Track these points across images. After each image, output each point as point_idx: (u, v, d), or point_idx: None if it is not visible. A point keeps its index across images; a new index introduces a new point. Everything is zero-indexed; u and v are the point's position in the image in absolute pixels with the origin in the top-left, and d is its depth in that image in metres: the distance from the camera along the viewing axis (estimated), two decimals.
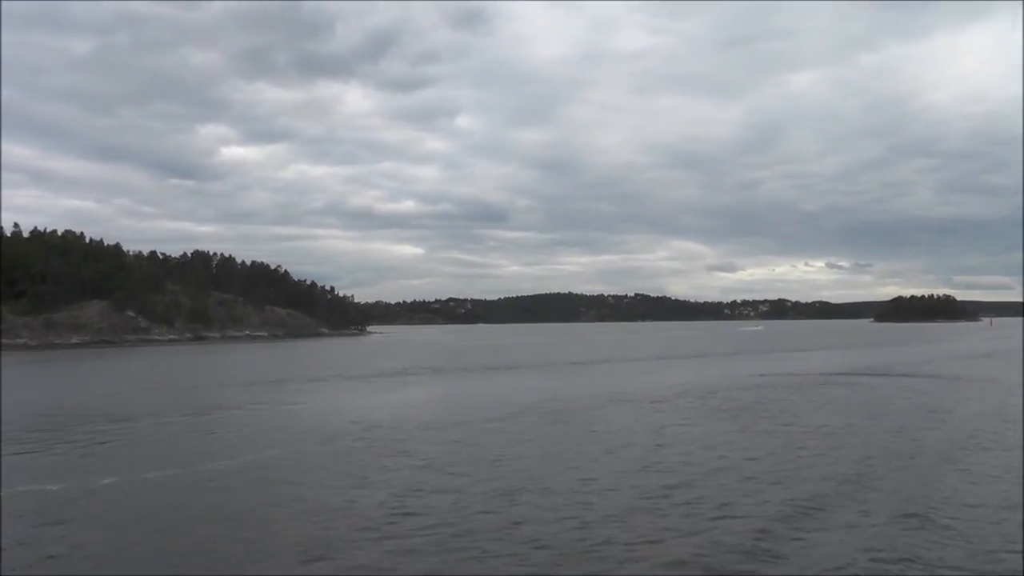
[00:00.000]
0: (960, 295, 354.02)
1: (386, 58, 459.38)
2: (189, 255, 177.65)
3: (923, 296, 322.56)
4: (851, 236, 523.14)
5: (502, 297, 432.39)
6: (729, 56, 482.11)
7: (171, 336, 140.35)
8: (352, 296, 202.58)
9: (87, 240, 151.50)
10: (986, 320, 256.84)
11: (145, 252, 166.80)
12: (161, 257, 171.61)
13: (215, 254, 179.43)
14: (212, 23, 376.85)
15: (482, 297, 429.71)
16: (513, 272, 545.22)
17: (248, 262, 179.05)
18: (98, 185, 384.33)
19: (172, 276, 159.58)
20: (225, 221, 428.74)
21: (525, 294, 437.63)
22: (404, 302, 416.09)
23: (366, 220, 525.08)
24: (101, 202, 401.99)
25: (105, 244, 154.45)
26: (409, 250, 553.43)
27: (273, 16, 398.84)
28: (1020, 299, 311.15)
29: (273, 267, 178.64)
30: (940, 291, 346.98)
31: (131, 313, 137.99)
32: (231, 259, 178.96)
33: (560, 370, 54.99)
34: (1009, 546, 12.00)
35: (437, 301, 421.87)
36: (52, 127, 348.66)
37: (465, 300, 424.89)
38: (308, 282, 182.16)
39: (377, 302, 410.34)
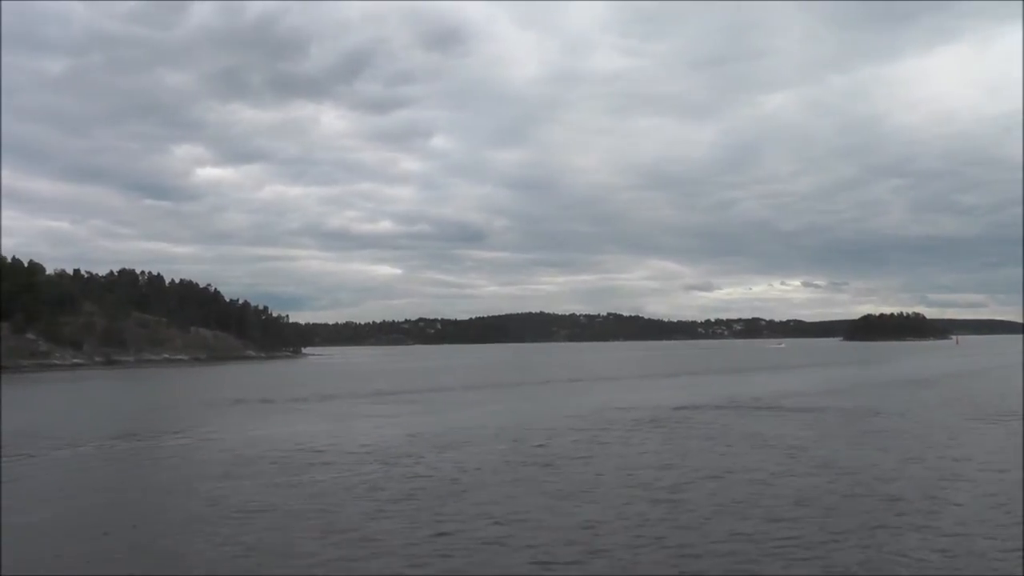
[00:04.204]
0: (935, 313, 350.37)
1: (360, 79, 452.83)
2: (116, 273, 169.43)
3: (892, 314, 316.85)
4: (827, 255, 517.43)
5: (473, 317, 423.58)
6: (702, 77, 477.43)
7: (77, 360, 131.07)
8: (287, 317, 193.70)
9: None
10: (954, 338, 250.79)
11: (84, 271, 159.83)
12: (86, 275, 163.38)
13: (143, 272, 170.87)
14: (186, 44, 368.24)
15: (461, 317, 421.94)
16: (491, 292, 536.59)
17: (178, 280, 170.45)
18: (73, 206, 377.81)
19: (93, 296, 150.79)
20: (202, 242, 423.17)
21: (502, 313, 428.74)
22: (374, 322, 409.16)
23: (344, 241, 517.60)
24: (76, 223, 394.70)
25: (20, 262, 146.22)
26: (387, 270, 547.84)
27: (247, 37, 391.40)
28: (995, 317, 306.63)
29: (203, 286, 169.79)
30: (914, 309, 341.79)
31: (31, 336, 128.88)
32: (160, 278, 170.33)
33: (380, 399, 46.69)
34: None
35: (407, 321, 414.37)
36: (26, 147, 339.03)
37: (435, 320, 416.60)
38: (240, 302, 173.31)
39: (347, 323, 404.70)
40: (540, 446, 25.19)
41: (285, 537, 14.47)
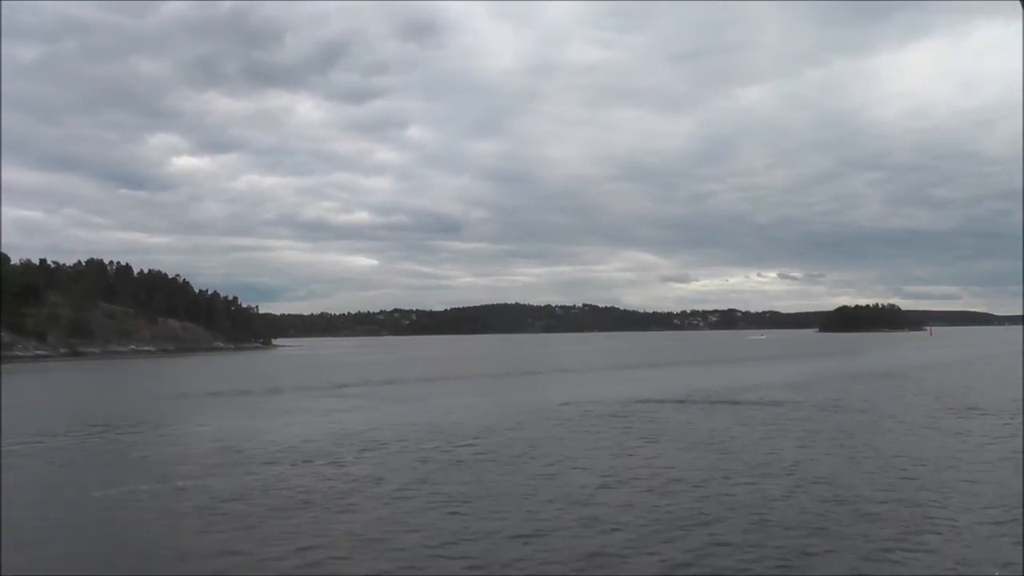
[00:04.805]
0: (910, 305, 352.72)
1: (336, 69, 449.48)
2: (83, 263, 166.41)
3: (868, 305, 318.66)
4: (804, 247, 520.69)
5: (449, 308, 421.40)
6: (679, 70, 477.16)
7: (40, 352, 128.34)
8: (256, 308, 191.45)
9: None
10: (927, 330, 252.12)
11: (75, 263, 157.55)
12: (53, 266, 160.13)
13: (111, 263, 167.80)
14: (160, 31, 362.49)
15: (436, 308, 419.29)
16: (467, 283, 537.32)
17: (146, 270, 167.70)
18: (47, 195, 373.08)
19: (59, 286, 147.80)
20: (178, 232, 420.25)
21: (477, 304, 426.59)
22: (349, 313, 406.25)
23: (320, 231, 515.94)
24: (50, 212, 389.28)
25: None
26: (363, 261, 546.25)
27: (222, 25, 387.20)
28: (968, 308, 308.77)
29: (171, 276, 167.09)
30: (890, 301, 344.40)
31: None
32: (128, 268, 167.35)
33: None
34: None
35: (382, 312, 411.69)
36: None
37: (410, 311, 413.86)
38: (209, 292, 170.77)
39: (322, 314, 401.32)
40: (468, 445, 23.95)
41: (138, 547, 13.16)
